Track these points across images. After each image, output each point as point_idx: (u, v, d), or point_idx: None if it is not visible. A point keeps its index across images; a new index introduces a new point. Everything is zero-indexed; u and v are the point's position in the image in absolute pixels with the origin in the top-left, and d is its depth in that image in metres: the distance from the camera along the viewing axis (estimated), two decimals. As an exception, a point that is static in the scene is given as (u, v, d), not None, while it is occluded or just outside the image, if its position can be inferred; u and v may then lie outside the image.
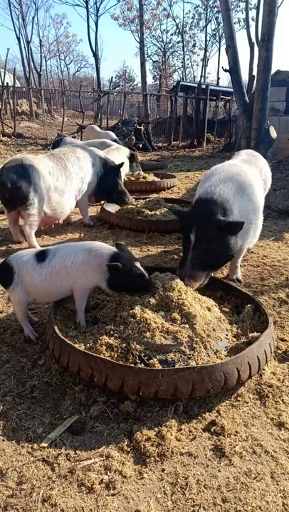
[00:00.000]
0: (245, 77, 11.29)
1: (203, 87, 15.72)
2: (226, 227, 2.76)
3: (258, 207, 3.26)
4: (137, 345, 2.12)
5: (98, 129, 9.73)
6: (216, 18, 33.53)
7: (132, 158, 6.67)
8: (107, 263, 2.35)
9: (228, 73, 7.84)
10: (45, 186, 4.03)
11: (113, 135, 8.50)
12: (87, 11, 29.38)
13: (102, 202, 5.81)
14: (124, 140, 9.94)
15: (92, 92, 22.80)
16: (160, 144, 14.79)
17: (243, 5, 23.55)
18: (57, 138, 12.45)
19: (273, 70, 8.86)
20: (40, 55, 37.40)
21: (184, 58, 38.91)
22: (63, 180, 4.28)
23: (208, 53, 37.38)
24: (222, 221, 2.76)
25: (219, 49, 36.33)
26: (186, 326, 2.26)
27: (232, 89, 8.99)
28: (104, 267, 2.37)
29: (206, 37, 35.96)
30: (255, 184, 3.31)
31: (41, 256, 2.46)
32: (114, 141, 7.87)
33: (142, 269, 2.42)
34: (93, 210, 5.83)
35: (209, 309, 2.52)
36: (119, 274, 2.35)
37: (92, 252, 2.43)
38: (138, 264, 2.43)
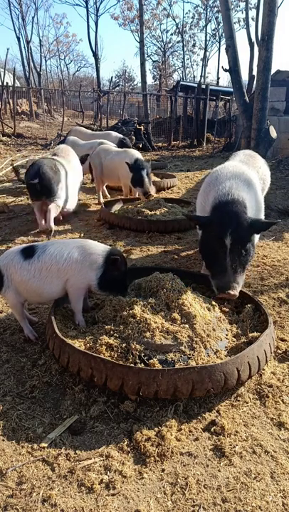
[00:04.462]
0: (245, 77, 11.31)
1: (203, 86, 15.71)
2: (260, 227, 2.74)
3: (261, 206, 3.27)
4: (137, 345, 2.12)
5: (85, 129, 9.32)
6: (216, 18, 33.52)
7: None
8: (110, 255, 2.41)
9: (228, 73, 7.85)
10: (65, 183, 4.88)
11: (118, 135, 7.99)
12: (87, 10, 29.33)
13: (102, 202, 5.84)
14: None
15: (92, 91, 22.80)
16: (160, 144, 14.79)
17: (243, 5, 23.56)
18: (57, 138, 12.45)
19: (273, 70, 8.86)
20: (40, 55, 37.40)
21: (183, 58, 38.94)
22: (74, 179, 5.16)
23: (208, 53, 37.36)
24: (256, 221, 2.73)
25: (219, 49, 36.32)
26: (186, 325, 2.26)
27: (232, 89, 8.99)
28: (99, 263, 2.41)
29: (205, 37, 35.97)
30: (256, 184, 3.31)
31: (28, 252, 2.42)
32: (123, 141, 7.65)
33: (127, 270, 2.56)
34: (93, 208, 5.84)
35: (209, 309, 2.52)
36: (114, 268, 2.41)
37: (87, 250, 2.44)
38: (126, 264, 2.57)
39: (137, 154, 5.69)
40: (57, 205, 4.72)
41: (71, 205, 5.17)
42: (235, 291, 2.59)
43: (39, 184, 4.49)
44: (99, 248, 2.48)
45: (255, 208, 3.12)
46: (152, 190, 5.64)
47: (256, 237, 3.06)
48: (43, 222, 4.66)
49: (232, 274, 2.62)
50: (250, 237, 2.75)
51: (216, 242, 2.69)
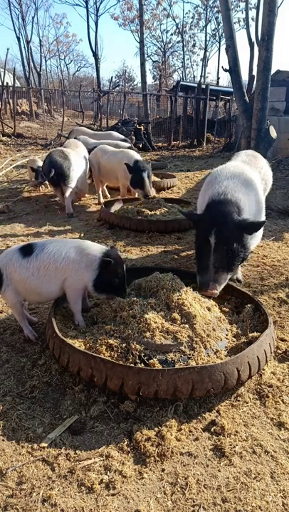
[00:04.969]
0: (245, 77, 11.32)
1: (203, 86, 15.71)
2: (247, 227, 2.72)
3: (261, 207, 3.26)
4: (137, 345, 2.12)
5: (86, 129, 9.32)
6: (216, 18, 33.54)
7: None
8: (103, 258, 2.39)
9: (228, 73, 7.84)
10: (77, 171, 5.64)
11: (118, 135, 8.09)
12: (87, 10, 29.36)
13: (102, 202, 5.84)
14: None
15: (92, 92, 22.81)
16: (160, 144, 14.78)
17: (243, 5, 23.56)
18: (57, 138, 12.43)
19: (273, 70, 8.86)
20: (40, 55, 37.42)
21: (183, 58, 38.95)
22: (84, 168, 5.92)
23: (208, 53, 37.36)
24: (243, 221, 2.72)
25: (219, 49, 36.33)
26: (186, 325, 2.26)
27: (232, 89, 8.99)
28: (96, 264, 2.39)
29: (205, 37, 35.97)
30: (257, 184, 3.31)
31: (27, 251, 2.42)
32: (124, 141, 7.70)
33: (125, 273, 2.51)
34: (93, 208, 5.84)
35: (209, 309, 2.52)
36: (108, 270, 2.39)
37: (85, 250, 2.43)
38: (124, 266, 2.51)
39: (136, 155, 5.66)
40: (71, 189, 5.51)
41: (84, 188, 6.09)
42: (214, 290, 2.63)
43: (54, 174, 5.27)
44: (96, 249, 2.47)
45: (255, 209, 3.11)
46: (152, 193, 5.63)
47: (252, 238, 3.06)
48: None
49: (213, 273, 2.67)
50: (239, 238, 2.74)
51: (203, 240, 2.76)
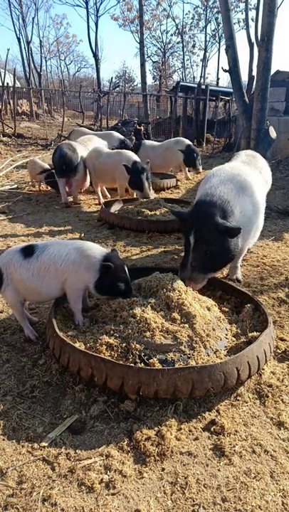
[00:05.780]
0: (244, 77, 11.32)
1: (203, 87, 15.71)
2: (225, 231, 2.73)
3: (258, 208, 3.26)
4: (137, 345, 2.12)
5: (87, 130, 9.30)
6: (216, 19, 33.55)
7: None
8: (102, 262, 2.38)
9: (227, 73, 7.85)
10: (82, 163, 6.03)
11: (118, 135, 8.21)
12: (87, 11, 29.45)
13: (102, 202, 5.84)
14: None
15: (92, 92, 22.84)
16: (160, 145, 14.78)
17: (242, 5, 23.57)
18: (57, 138, 12.43)
19: (273, 71, 8.87)
20: (41, 56, 37.52)
21: (183, 59, 38.96)
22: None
23: (207, 54, 37.37)
24: (220, 224, 2.74)
25: (219, 49, 36.34)
26: (186, 325, 2.26)
27: (232, 90, 8.99)
28: (96, 266, 2.39)
29: (205, 37, 35.98)
30: (255, 185, 3.31)
31: (28, 252, 2.42)
32: (124, 142, 7.68)
33: (128, 275, 2.49)
34: (94, 208, 5.85)
35: (209, 309, 2.52)
36: (109, 275, 2.38)
37: (85, 252, 2.43)
38: (126, 269, 2.49)
39: (134, 156, 5.66)
40: (77, 180, 5.99)
41: (83, 181, 6.33)
42: (189, 288, 2.67)
43: (64, 164, 5.63)
44: (96, 251, 2.46)
45: (251, 211, 3.11)
46: (152, 195, 5.62)
47: (250, 238, 3.06)
48: (66, 196, 5.98)
49: (190, 270, 2.76)
50: (219, 240, 2.75)
51: (185, 239, 2.86)
